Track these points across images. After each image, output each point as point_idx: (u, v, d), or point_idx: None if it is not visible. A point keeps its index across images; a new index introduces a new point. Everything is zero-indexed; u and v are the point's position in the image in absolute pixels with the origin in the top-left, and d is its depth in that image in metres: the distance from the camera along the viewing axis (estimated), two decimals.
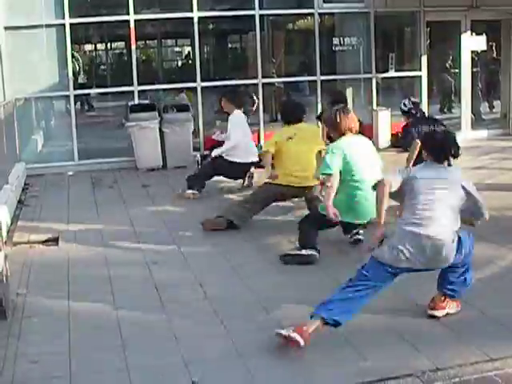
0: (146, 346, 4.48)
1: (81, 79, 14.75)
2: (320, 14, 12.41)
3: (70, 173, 11.06)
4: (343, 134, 6.19)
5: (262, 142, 11.50)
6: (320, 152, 7.13)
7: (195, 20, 11.65)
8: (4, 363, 4.29)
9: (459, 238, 4.50)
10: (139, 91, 11.62)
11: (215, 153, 8.95)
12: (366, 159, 6.16)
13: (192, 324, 4.82)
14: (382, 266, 4.44)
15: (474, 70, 13.67)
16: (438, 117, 10.92)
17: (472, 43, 12.96)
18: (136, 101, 11.53)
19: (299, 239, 6.21)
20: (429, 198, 4.49)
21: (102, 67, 21.23)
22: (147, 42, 21.16)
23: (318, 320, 4.29)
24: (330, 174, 5.98)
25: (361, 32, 12.57)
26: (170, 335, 4.61)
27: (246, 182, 9.28)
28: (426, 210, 4.47)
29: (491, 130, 13.43)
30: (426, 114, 10.86)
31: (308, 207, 7.20)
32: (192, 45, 12.74)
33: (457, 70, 13.43)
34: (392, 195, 4.64)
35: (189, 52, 19.39)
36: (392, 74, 12.97)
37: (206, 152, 11.49)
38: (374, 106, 12.53)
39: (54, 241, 7.01)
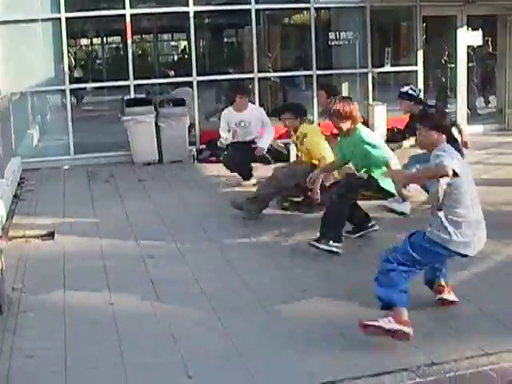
0: (141, 340, 4.48)
1: (77, 73, 14.73)
2: (316, 9, 12.42)
3: (66, 167, 11.04)
4: (357, 122, 6.17)
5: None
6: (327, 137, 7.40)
7: (191, 14, 11.64)
8: None
9: None
10: (135, 85, 11.61)
11: (265, 145, 9.14)
12: None
13: (188, 320, 4.80)
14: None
15: (470, 64, 13.69)
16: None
17: (468, 38, 12.95)
18: (132, 95, 11.53)
19: (325, 220, 6.13)
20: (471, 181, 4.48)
21: (98, 61, 21.21)
22: (143, 36, 21.16)
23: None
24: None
25: (357, 27, 12.56)
26: (165, 330, 4.60)
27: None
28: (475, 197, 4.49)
29: (487, 125, 13.41)
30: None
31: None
32: (188, 39, 12.73)
33: (453, 65, 13.43)
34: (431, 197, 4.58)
35: (185, 46, 19.38)
36: (388, 68, 12.98)
37: (202, 146, 11.53)
38: (370, 101, 12.52)
39: (50, 235, 7.01)
